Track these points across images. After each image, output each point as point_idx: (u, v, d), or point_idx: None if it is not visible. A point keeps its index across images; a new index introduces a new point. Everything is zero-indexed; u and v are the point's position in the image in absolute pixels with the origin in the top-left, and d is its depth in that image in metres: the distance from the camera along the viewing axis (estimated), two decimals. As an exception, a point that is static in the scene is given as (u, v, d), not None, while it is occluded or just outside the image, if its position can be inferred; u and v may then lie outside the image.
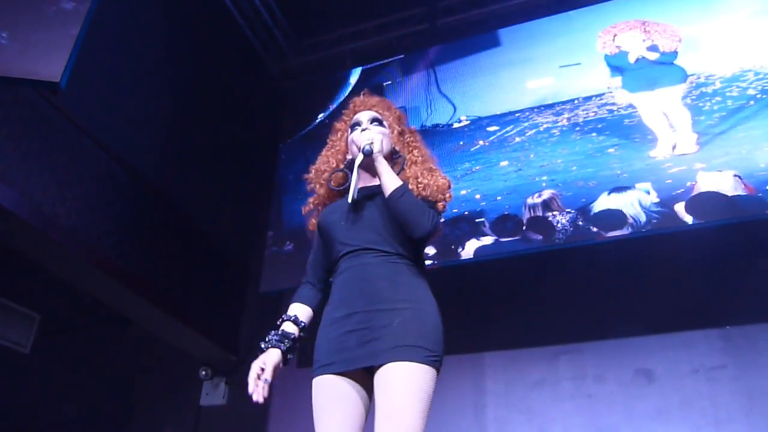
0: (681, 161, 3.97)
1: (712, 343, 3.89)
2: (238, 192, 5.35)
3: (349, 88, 5.37)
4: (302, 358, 4.39)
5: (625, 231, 3.90)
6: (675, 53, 4.35)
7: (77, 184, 3.85)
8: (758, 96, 3.98)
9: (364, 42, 5.63)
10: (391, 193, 1.71)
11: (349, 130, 1.93)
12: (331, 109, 5.39)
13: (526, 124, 4.55)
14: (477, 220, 4.29)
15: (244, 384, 1.61)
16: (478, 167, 4.52)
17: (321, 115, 5.41)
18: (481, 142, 4.63)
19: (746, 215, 3.73)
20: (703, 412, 3.72)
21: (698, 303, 3.90)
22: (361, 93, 2.06)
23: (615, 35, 4.59)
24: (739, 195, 3.74)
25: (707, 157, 3.91)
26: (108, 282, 4.06)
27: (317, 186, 1.96)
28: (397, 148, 1.90)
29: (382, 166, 1.76)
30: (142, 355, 5.33)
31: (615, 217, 3.94)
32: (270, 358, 1.66)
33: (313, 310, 1.83)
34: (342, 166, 1.94)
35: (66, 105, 3.81)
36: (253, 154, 5.57)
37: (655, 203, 3.89)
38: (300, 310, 1.81)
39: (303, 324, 1.78)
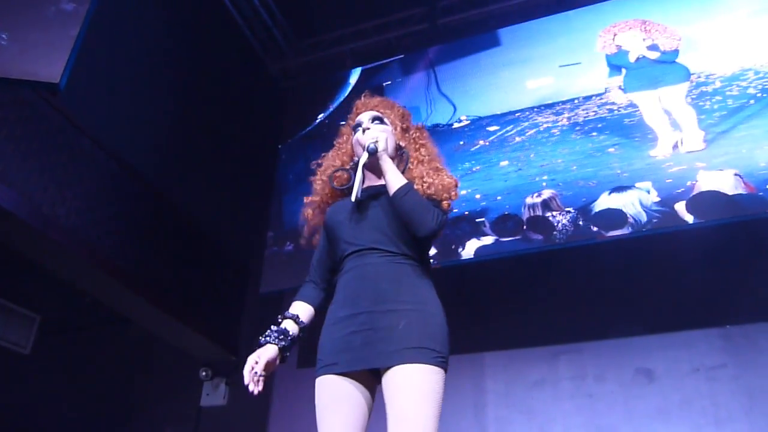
0: (681, 160, 3.98)
1: (712, 343, 3.88)
2: (238, 192, 5.35)
3: (349, 88, 5.37)
4: (302, 358, 4.40)
5: (625, 230, 3.90)
6: (676, 52, 4.35)
7: (77, 184, 3.85)
8: (758, 95, 3.98)
9: (364, 42, 5.62)
10: (395, 192, 1.71)
11: (353, 132, 1.93)
12: (331, 109, 5.39)
13: (526, 123, 4.55)
14: (477, 220, 4.29)
15: (244, 384, 1.62)
16: (478, 167, 4.53)
17: (321, 116, 5.41)
18: (481, 142, 4.63)
19: (747, 214, 3.73)
20: (704, 412, 3.71)
21: (698, 302, 3.89)
22: (362, 95, 2.05)
23: (615, 35, 4.59)
24: (739, 194, 3.74)
25: (708, 156, 3.92)
26: (108, 282, 4.06)
27: (321, 185, 1.95)
28: (401, 144, 1.90)
29: (387, 164, 1.76)
30: (142, 355, 5.34)
31: (615, 217, 3.94)
32: (265, 353, 1.66)
33: (316, 310, 1.83)
34: (348, 167, 1.93)
35: (65, 106, 3.82)
36: (253, 154, 5.57)
37: (655, 202, 3.89)
38: (302, 309, 1.81)
39: (303, 324, 1.78)
